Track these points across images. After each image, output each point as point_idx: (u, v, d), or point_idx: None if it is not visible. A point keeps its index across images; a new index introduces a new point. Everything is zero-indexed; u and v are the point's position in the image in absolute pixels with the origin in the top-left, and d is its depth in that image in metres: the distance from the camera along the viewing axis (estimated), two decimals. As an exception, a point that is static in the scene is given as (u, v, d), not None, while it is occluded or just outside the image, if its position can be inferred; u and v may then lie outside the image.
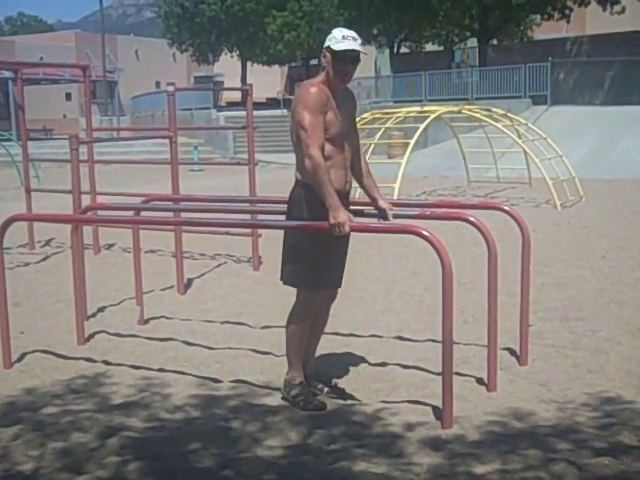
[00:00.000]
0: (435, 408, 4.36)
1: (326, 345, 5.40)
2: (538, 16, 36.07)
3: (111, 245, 10.15)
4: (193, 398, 4.70)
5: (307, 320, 4.56)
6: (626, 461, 3.67)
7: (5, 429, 4.22)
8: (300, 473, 3.65)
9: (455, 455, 3.80)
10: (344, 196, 4.43)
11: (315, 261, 4.38)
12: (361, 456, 3.80)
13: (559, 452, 3.79)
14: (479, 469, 3.64)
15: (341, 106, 4.43)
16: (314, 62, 49.85)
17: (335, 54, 4.33)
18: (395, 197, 11.82)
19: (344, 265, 4.66)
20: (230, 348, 5.72)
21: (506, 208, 5.28)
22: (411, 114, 16.14)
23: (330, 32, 4.45)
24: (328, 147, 4.33)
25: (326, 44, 4.38)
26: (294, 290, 4.57)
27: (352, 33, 4.39)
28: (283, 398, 4.62)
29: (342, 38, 4.34)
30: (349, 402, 4.57)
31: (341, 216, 4.14)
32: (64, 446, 3.98)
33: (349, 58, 4.34)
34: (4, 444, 4.04)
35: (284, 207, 4.67)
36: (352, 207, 4.60)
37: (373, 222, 4.70)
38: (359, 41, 4.38)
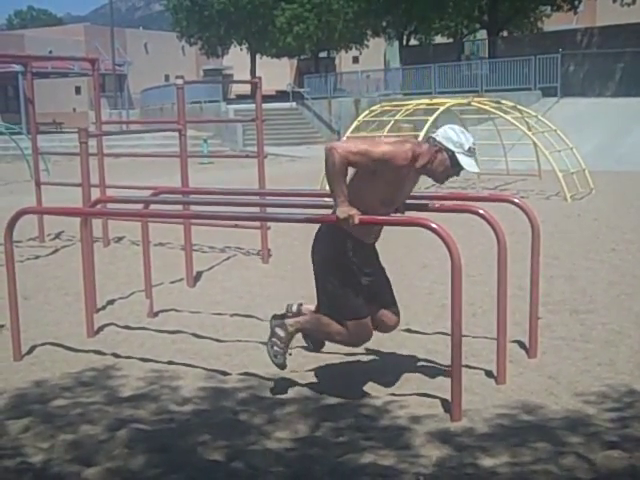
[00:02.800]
0: (444, 401, 4.36)
1: (335, 338, 5.41)
2: (548, 7, 35.88)
3: (120, 238, 10.16)
4: (202, 390, 4.70)
5: (341, 343, 4.59)
6: (636, 454, 3.65)
7: (15, 421, 4.24)
8: (308, 465, 3.65)
9: (463, 448, 3.79)
10: (369, 245, 4.47)
11: (346, 290, 4.36)
12: (369, 448, 3.80)
13: (569, 445, 3.78)
14: (487, 462, 3.64)
15: (409, 184, 4.41)
16: (323, 55, 49.85)
17: (456, 163, 4.26)
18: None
19: (384, 287, 4.62)
20: (239, 341, 5.73)
21: (516, 200, 5.26)
22: (420, 106, 16.10)
23: (452, 130, 4.28)
24: (377, 199, 4.27)
25: (447, 144, 4.24)
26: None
27: (472, 140, 4.32)
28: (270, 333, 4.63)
29: (469, 151, 4.27)
30: (356, 395, 4.57)
31: (349, 209, 4.13)
32: (74, 438, 4.00)
33: (461, 170, 4.31)
34: (14, 436, 4.06)
35: (293, 200, 4.67)
36: None
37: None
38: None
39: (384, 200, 4.30)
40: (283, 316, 4.73)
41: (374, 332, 4.55)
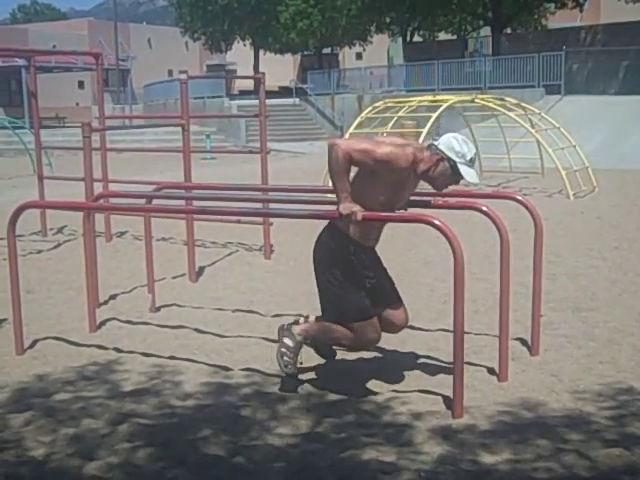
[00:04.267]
0: (446, 398, 4.36)
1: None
2: (552, 4, 35.81)
3: (123, 233, 10.17)
4: (204, 386, 4.71)
5: (351, 346, 4.60)
6: (637, 452, 3.66)
7: (17, 415, 4.25)
8: (310, 461, 3.66)
9: (465, 445, 3.79)
10: (370, 249, 4.48)
11: (350, 292, 4.36)
12: (371, 445, 3.81)
13: (570, 443, 3.78)
14: (489, 459, 3.64)
15: (409, 189, 4.41)
16: (327, 51, 49.78)
17: (456, 172, 4.25)
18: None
19: (388, 287, 4.61)
20: (241, 336, 5.73)
21: (519, 198, 5.25)
22: (424, 103, 16.08)
23: (455, 139, 4.27)
24: (377, 202, 4.26)
25: (450, 154, 4.22)
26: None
27: (474, 151, 4.32)
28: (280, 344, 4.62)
29: (470, 162, 4.26)
30: (359, 391, 4.57)
31: (352, 206, 4.13)
32: (75, 432, 4.01)
33: (462, 179, 4.30)
34: (16, 430, 4.07)
35: (296, 195, 4.66)
36: None
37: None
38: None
39: (383, 203, 4.30)
40: (290, 326, 4.71)
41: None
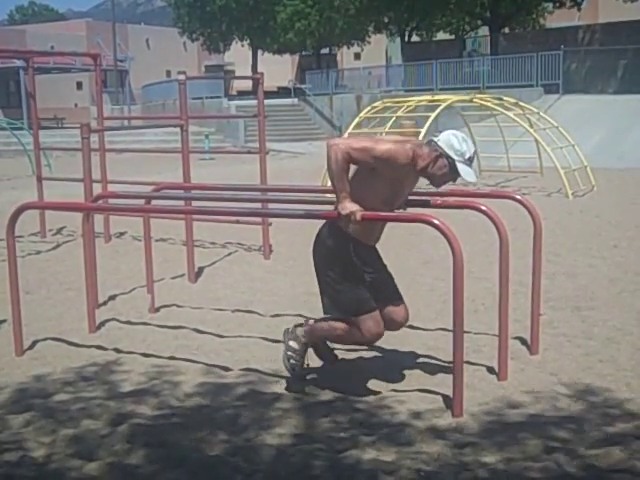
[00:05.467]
0: (445, 397, 4.36)
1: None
2: (550, 4, 35.82)
3: (122, 233, 10.17)
4: (203, 386, 4.71)
5: (356, 342, 4.58)
6: (636, 451, 3.65)
7: (17, 416, 4.25)
8: (309, 461, 3.65)
9: (465, 444, 3.79)
10: (370, 247, 4.48)
11: (350, 287, 4.35)
12: (370, 444, 3.81)
13: (569, 442, 3.79)
14: (489, 458, 3.64)
15: (409, 186, 4.41)
16: (325, 51, 49.76)
17: (454, 170, 4.24)
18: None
19: (387, 283, 4.60)
20: (240, 336, 5.73)
21: (518, 197, 5.25)
22: (422, 103, 16.07)
23: (454, 137, 4.25)
24: (377, 200, 4.26)
25: (449, 151, 4.21)
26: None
27: (474, 149, 4.31)
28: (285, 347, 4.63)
29: (469, 160, 4.25)
30: (358, 391, 4.57)
31: (352, 206, 4.13)
32: (75, 433, 4.01)
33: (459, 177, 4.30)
34: (16, 430, 4.07)
35: (294, 196, 4.66)
36: None
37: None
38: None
39: (383, 201, 4.29)
40: (295, 328, 4.71)
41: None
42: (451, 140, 4.25)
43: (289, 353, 4.60)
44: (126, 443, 3.86)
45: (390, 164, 4.15)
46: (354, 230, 4.31)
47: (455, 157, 4.23)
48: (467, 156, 4.25)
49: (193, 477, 3.54)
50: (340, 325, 4.43)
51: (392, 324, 4.60)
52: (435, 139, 4.30)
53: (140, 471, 3.60)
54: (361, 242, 4.39)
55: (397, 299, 4.61)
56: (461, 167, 4.24)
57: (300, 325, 4.76)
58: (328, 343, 4.84)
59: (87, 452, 3.78)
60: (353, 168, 4.25)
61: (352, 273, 4.36)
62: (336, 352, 4.99)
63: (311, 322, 4.74)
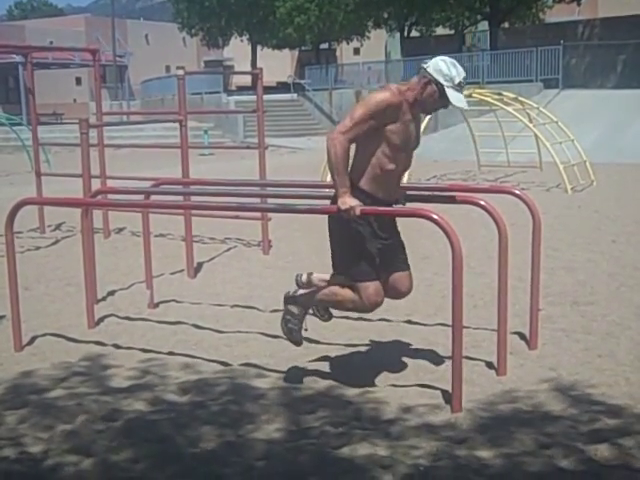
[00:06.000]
0: (444, 392, 4.36)
1: (335, 329, 5.41)
2: (550, -1, 35.79)
3: (121, 229, 10.16)
4: (201, 381, 4.70)
5: (354, 309, 4.54)
6: (634, 447, 3.65)
7: (15, 411, 4.25)
8: (307, 455, 3.65)
9: (463, 439, 3.79)
10: (386, 204, 4.39)
11: (359, 253, 4.31)
12: (368, 439, 3.80)
13: (568, 437, 3.78)
14: (487, 453, 3.64)
15: (412, 122, 4.34)
16: (324, 46, 49.70)
17: (444, 96, 4.21)
18: (405, 181, 11.77)
19: (398, 251, 4.55)
20: (239, 332, 5.73)
21: (517, 192, 5.25)
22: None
23: (443, 62, 4.21)
24: (387, 156, 4.23)
25: (437, 77, 4.18)
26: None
27: (464, 75, 4.27)
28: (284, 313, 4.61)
29: (459, 86, 4.23)
30: (356, 386, 4.57)
31: (351, 201, 4.12)
32: (72, 428, 4.00)
33: (450, 104, 4.27)
34: (13, 426, 4.06)
35: (294, 191, 4.65)
36: None
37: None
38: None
39: (395, 157, 4.24)
40: (295, 292, 4.69)
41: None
42: (439, 65, 4.23)
43: (287, 317, 4.57)
44: (123, 438, 3.85)
45: (385, 111, 4.14)
46: (371, 188, 4.27)
47: (444, 82, 4.20)
48: (457, 81, 4.23)
49: (189, 472, 3.54)
50: (341, 291, 4.40)
51: (396, 293, 4.57)
52: (425, 65, 4.29)
53: (137, 466, 3.60)
54: (380, 200, 4.33)
55: (404, 269, 4.57)
56: (450, 93, 4.21)
57: (300, 283, 4.75)
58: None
59: (84, 447, 3.77)
60: (354, 149, 4.23)
61: (364, 239, 4.30)
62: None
63: (314, 278, 4.73)
